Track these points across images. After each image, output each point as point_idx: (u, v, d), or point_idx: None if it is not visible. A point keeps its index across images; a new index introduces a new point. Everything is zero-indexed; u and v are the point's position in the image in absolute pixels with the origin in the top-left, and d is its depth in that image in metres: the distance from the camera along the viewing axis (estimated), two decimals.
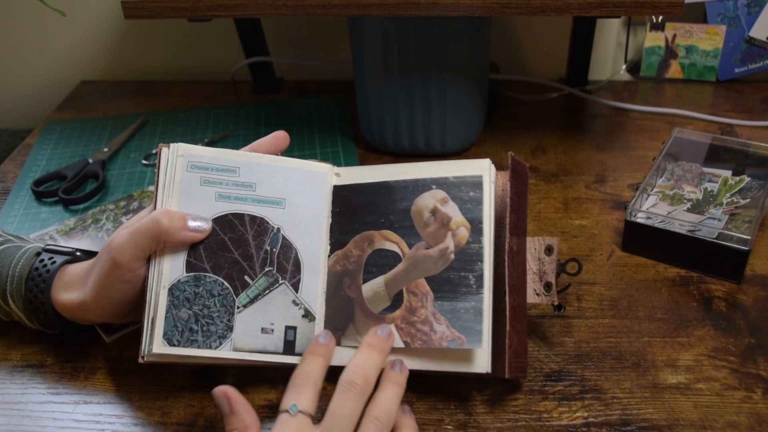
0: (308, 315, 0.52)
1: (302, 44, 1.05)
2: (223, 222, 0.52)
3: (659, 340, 0.56)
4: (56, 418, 0.51)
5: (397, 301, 0.52)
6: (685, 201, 0.66)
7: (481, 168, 0.52)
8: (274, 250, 0.53)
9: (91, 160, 0.83)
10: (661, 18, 0.95)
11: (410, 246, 0.53)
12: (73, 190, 0.79)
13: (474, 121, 0.80)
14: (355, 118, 0.88)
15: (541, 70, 1.03)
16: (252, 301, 0.51)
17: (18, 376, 0.55)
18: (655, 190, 0.69)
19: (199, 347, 0.50)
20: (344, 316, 0.53)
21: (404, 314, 0.51)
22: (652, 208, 0.66)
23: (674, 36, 0.95)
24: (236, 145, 0.67)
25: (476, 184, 0.52)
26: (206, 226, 0.51)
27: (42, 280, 0.53)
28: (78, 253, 0.56)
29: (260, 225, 0.53)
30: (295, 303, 0.52)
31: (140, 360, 0.49)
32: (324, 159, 0.81)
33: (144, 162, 0.84)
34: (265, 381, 0.54)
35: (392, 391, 0.47)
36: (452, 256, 0.51)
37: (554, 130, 0.86)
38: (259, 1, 0.67)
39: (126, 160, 0.85)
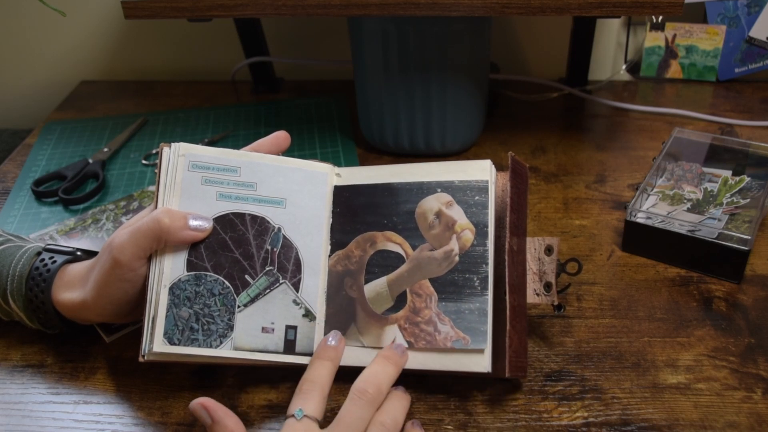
0: (309, 314, 0.52)
1: (302, 44, 1.05)
2: (224, 221, 0.52)
3: (659, 340, 0.56)
4: (56, 418, 0.51)
5: (400, 301, 0.52)
6: (685, 201, 0.66)
7: (485, 171, 0.53)
8: (275, 249, 0.53)
9: (91, 160, 0.83)
10: (661, 18, 0.95)
11: (414, 248, 0.53)
12: (73, 190, 0.79)
13: (474, 121, 0.80)
14: (355, 118, 0.88)
15: (541, 70, 1.03)
16: (252, 300, 0.51)
17: (18, 376, 0.55)
18: (655, 190, 0.69)
19: (199, 346, 0.50)
20: (345, 315, 0.53)
21: (408, 315, 0.51)
22: (652, 208, 0.66)
23: (674, 36, 0.95)
24: (236, 145, 0.67)
25: (482, 188, 0.52)
26: (207, 225, 0.51)
27: (42, 280, 0.53)
28: (78, 253, 0.56)
29: (261, 224, 0.53)
30: (295, 302, 0.52)
31: (141, 359, 0.49)
32: (324, 159, 0.81)
33: (144, 162, 0.84)
34: (266, 381, 0.54)
35: (399, 401, 0.48)
36: (457, 258, 0.51)
37: (554, 130, 0.86)
38: (259, 1, 0.67)
39: (126, 160, 0.85)
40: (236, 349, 0.50)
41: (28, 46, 1.07)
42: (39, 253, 0.55)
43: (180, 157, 0.52)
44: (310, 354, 0.51)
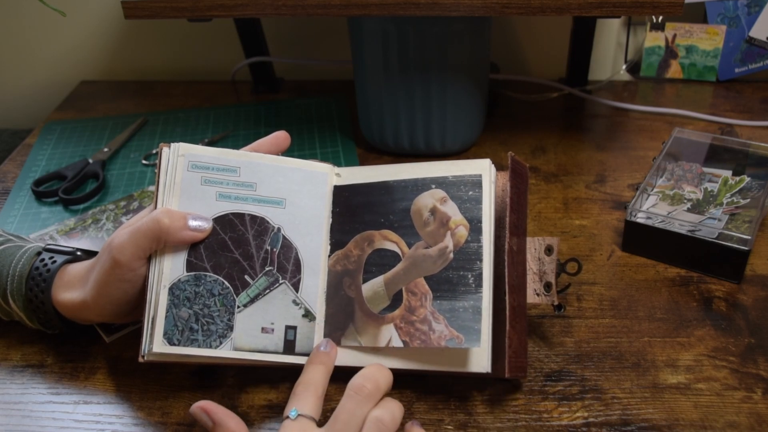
0: (308, 315, 0.52)
1: (302, 44, 1.05)
2: (224, 222, 0.52)
3: (659, 340, 0.56)
4: (56, 418, 0.51)
5: (396, 300, 0.52)
6: (685, 201, 0.66)
7: (481, 167, 0.52)
8: (275, 249, 0.53)
9: (91, 160, 0.83)
10: (661, 18, 0.95)
11: (410, 245, 0.53)
12: (73, 190, 0.79)
13: (474, 121, 0.80)
14: (355, 118, 0.88)
15: (541, 70, 1.03)
16: (252, 300, 0.51)
17: (18, 376, 0.55)
18: (655, 190, 0.69)
19: (199, 346, 0.50)
20: (344, 315, 0.53)
21: (403, 314, 0.51)
22: (652, 208, 0.66)
23: (674, 36, 0.95)
24: (236, 145, 0.67)
25: (475, 183, 0.52)
26: (207, 225, 0.51)
27: (42, 280, 0.53)
28: (78, 253, 0.56)
29: (261, 225, 0.53)
30: (295, 303, 0.52)
31: (140, 359, 0.49)
32: (324, 159, 0.81)
33: (144, 162, 0.84)
34: (265, 381, 0.54)
35: (396, 402, 0.47)
36: (451, 255, 0.51)
37: (554, 130, 0.86)
38: (259, 1, 0.67)
39: (126, 160, 0.85)
40: (236, 349, 0.50)
41: (28, 46, 1.07)
42: (39, 253, 0.55)
43: (179, 157, 0.52)
44: (310, 354, 0.51)
